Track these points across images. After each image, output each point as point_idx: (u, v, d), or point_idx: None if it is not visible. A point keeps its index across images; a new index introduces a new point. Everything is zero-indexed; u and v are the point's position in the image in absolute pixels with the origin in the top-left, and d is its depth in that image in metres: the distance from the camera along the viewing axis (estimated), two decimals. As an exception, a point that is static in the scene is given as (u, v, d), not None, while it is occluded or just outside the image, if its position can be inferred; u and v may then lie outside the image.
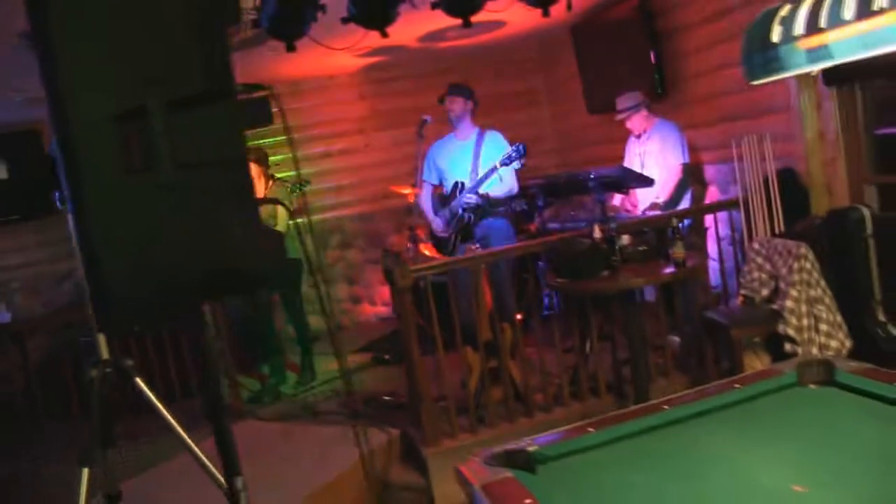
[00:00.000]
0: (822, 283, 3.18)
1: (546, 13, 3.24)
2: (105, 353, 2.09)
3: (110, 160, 1.45)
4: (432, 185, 4.72)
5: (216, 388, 2.08)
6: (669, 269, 3.30)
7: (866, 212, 3.42)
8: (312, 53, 5.09)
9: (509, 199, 4.49)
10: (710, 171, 4.87)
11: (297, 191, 5.86)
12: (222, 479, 2.21)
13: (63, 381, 4.99)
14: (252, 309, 5.03)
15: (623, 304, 3.44)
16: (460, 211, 4.30)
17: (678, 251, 3.22)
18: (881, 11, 1.39)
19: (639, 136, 4.86)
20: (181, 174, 1.49)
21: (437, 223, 4.48)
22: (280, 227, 5.03)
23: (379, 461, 3.77)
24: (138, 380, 2.11)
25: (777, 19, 1.66)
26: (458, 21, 4.89)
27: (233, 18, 1.64)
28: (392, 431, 3.96)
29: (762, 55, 1.62)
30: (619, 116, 4.81)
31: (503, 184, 4.44)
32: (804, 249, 3.19)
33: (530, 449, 2.12)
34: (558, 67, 6.72)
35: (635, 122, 4.78)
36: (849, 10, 1.36)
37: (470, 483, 1.97)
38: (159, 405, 2.11)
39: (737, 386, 2.35)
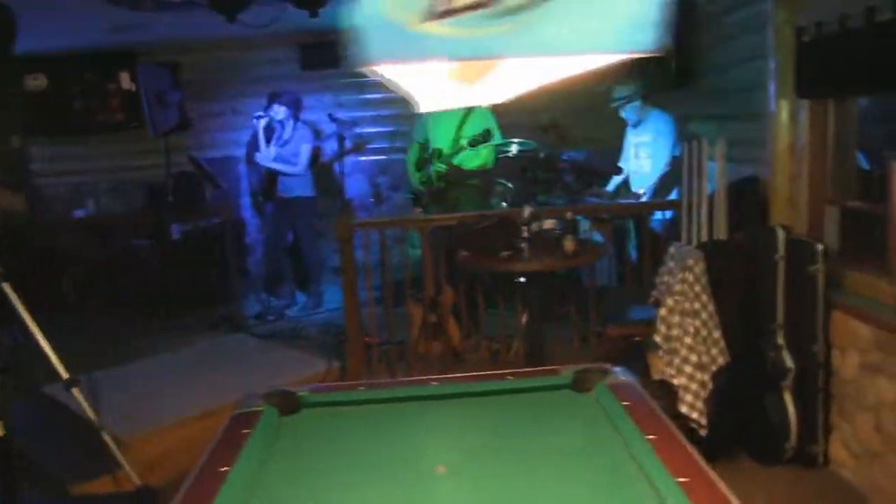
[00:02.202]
0: (704, 297, 3.18)
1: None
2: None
3: None
4: (419, 143, 4.97)
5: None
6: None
7: (780, 233, 3.34)
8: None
9: (483, 172, 4.68)
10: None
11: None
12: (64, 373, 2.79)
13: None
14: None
15: (528, 283, 3.60)
16: (431, 176, 4.57)
17: (568, 244, 3.34)
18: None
19: (635, 126, 4.83)
20: None
21: (413, 181, 4.79)
22: (300, 166, 5.52)
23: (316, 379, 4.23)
24: (4, 285, 2.65)
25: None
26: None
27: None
28: (334, 363, 4.40)
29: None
30: (613, 105, 4.80)
31: (478, 156, 4.63)
32: (691, 262, 3.20)
33: (300, 393, 2.47)
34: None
35: (629, 112, 4.76)
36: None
37: (235, 408, 2.37)
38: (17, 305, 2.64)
39: (510, 377, 2.55)
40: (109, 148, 6.85)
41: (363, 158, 7.05)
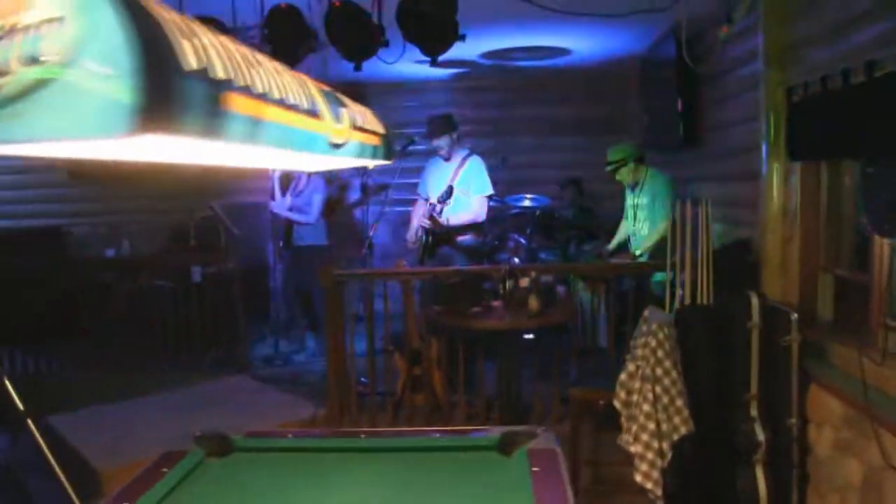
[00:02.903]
0: (667, 363, 3.06)
1: (433, 63, 3.36)
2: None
3: None
4: (424, 199, 5.03)
5: None
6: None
7: (754, 300, 3.22)
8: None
9: (474, 226, 4.69)
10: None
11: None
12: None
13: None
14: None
15: (495, 339, 3.56)
16: (420, 231, 4.62)
17: (532, 302, 3.29)
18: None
19: (633, 188, 4.76)
20: None
21: (410, 234, 4.85)
22: (312, 215, 5.65)
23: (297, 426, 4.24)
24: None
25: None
26: (519, 42, 5.10)
27: None
28: (321, 410, 4.40)
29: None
30: (607, 169, 4.76)
31: (468, 211, 4.66)
32: (655, 326, 3.10)
33: (233, 437, 2.52)
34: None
35: (623, 175, 4.70)
36: None
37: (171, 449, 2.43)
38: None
39: (438, 435, 2.53)
40: (141, 191, 7.15)
41: (388, 209, 7.15)
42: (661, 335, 3.09)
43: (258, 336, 6.32)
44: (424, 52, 3.21)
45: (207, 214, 5.79)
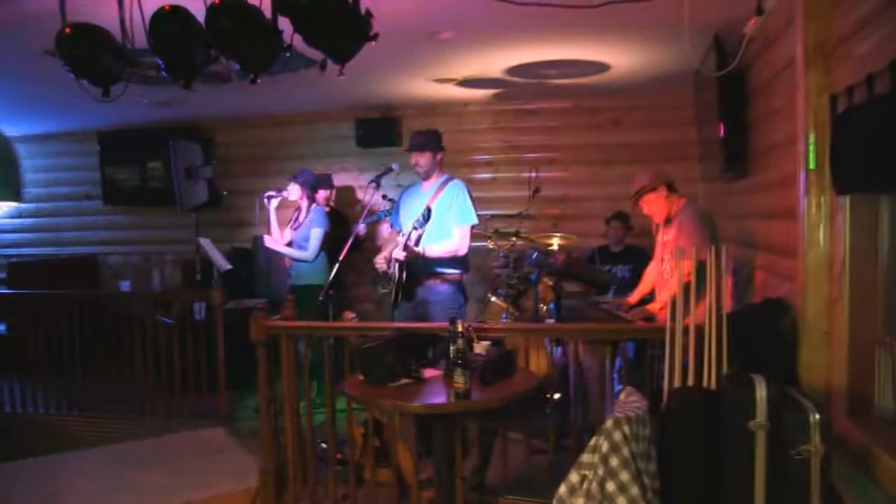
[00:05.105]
0: (623, 476, 2.18)
1: (323, 67, 2.61)
2: None
3: None
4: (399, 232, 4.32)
5: None
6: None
7: (761, 389, 2.29)
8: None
9: (454, 260, 3.93)
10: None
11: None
12: None
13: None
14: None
15: (432, 421, 2.78)
16: (394, 265, 3.91)
17: (458, 380, 2.50)
18: None
19: (667, 223, 3.84)
20: None
21: (379, 259, 4.14)
22: (310, 252, 5.06)
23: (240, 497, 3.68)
24: None
25: None
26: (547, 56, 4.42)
27: None
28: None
29: None
30: (630, 201, 3.87)
31: (447, 241, 3.92)
32: (610, 423, 2.24)
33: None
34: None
35: (649, 207, 3.79)
36: None
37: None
38: None
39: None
40: (153, 222, 6.94)
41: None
42: (617, 436, 2.24)
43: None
44: (330, 56, 2.54)
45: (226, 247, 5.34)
